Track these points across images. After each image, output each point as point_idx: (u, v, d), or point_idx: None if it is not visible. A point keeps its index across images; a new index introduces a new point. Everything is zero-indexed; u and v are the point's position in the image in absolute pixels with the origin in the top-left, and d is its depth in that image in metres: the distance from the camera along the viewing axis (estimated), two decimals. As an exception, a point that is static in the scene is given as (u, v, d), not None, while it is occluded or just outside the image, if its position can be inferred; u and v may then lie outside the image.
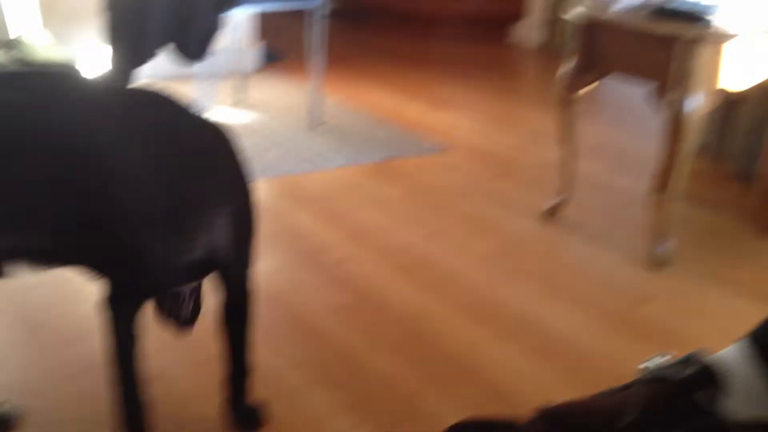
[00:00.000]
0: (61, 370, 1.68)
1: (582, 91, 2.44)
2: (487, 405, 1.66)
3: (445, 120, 3.63)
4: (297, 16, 3.51)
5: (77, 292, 1.95)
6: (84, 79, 1.34)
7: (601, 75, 2.41)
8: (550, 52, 5.11)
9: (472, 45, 5.19)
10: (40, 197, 1.15)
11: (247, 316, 1.48)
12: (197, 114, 1.37)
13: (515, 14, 5.30)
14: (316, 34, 3.26)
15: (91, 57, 3.13)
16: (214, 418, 1.55)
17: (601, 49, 2.32)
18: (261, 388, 1.67)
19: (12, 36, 2.87)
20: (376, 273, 2.20)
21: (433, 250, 2.35)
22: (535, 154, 3.23)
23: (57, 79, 1.27)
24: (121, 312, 1.33)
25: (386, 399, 1.67)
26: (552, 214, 2.60)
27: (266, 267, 2.19)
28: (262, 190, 2.70)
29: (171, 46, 2.76)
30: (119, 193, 1.19)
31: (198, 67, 2.98)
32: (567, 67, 2.42)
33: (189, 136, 1.32)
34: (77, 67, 2.80)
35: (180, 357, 1.75)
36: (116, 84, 1.40)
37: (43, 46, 2.81)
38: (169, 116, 1.31)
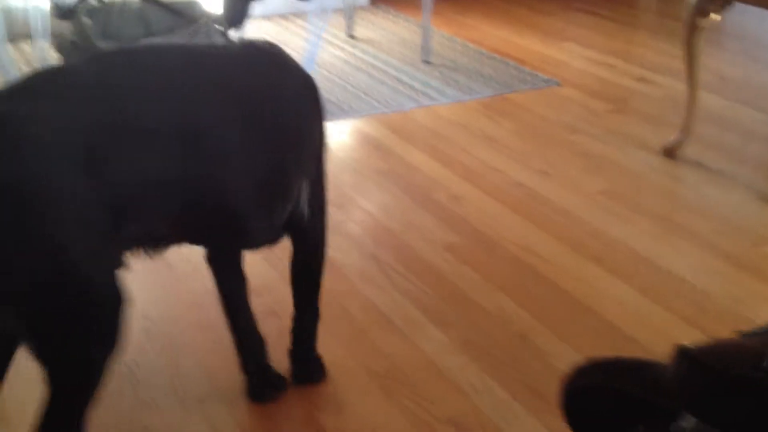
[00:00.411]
0: (186, 299, 1.77)
1: (709, 18, 2.30)
2: (603, 346, 1.64)
3: (558, 53, 3.52)
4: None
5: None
6: (192, 47, 1.33)
7: (728, 1, 2.27)
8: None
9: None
10: (170, 184, 1.15)
11: (320, 270, 1.49)
12: (301, 78, 1.37)
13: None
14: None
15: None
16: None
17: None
18: (374, 325, 1.71)
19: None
20: (489, 211, 2.19)
21: (546, 187, 2.31)
22: (653, 88, 3.10)
23: (167, 54, 1.27)
24: (223, 267, 1.45)
25: (497, 337, 1.68)
26: (672, 150, 2.50)
27: (378, 205, 2.21)
28: (373, 127, 2.71)
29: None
30: (227, 173, 1.21)
31: (309, 2, 2.99)
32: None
33: (291, 108, 1.33)
34: (200, 4, 2.85)
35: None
36: (228, 42, 1.37)
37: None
38: (275, 86, 1.31)
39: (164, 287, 1.82)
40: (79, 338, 1.06)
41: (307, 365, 1.55)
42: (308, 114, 1.37)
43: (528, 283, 1.86)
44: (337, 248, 1.97)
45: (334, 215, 2.11)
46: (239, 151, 1.21)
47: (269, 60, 1.34)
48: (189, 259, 1.81)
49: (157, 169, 1.12)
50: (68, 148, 1.02)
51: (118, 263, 1.13)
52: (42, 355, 1.05)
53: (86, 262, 1.04)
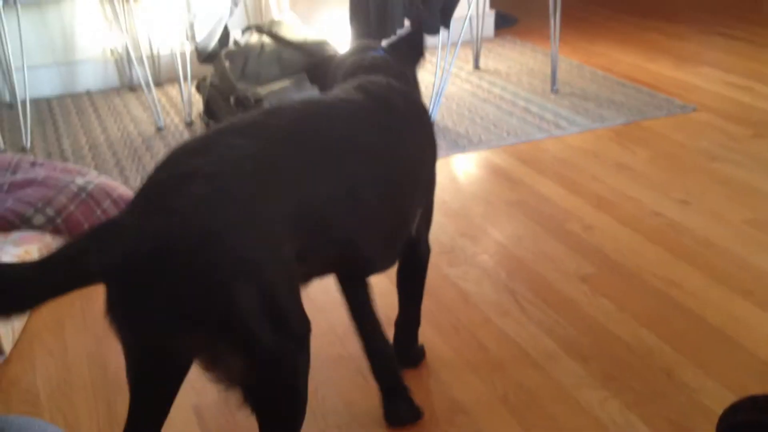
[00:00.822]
0: (326, 330, 1.81)
1: None
2: (755, 383, 1.56)
3: (693, 78, 3.40)
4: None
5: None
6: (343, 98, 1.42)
7: None
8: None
9: (721, -7, 4.81)
10: (332, 236, 1.27)
11: (423, 277, 1.63)
12: (416, 113, 1.50)
13: (771, -44, 4.84)
14: (554, -4, 3.19)
15: (335, 37, 3.29)
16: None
17: None
18: (510, 357, 1.70)
19: (273, 17, 3.08)
20: (625, 241, 2.13)
21: (686, 216, 2.24)
22: (799, 110, 2.95)
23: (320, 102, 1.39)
24: (353, 291, 1.54)
25: (639, 372, 1.63)
26: (821, 176, 2.37)
27: (509, 236, 2.20)
28: (502, 159, 2.71)
29: (411, 20, 2.82)
30: (369, 228, 1.34)
31: (436, 36, 3.03)
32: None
33: (412, 152, 1.45)
34: (330, 45, 2.95)
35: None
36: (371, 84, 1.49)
37: (298, 26, 2.99)
38: (398, 131, 1.42)
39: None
40: (286, 364, 1.15)
41: (409, 352, 1.68)
42: (424, 148, 1.50)
43: (671, 317, 1.80)
44: (470, 280, 1.98)
45: (466, 247, 2.13)
46: (377, 207, 1.33)
47: (387, 105, 1.42)
48: (327, 291, 1.85)
49: (329, 225, 1.25)
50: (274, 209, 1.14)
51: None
52: (253, 386, 1.14)
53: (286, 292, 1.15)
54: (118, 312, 1.07)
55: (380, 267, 1.48)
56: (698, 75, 3.42)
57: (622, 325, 1.78)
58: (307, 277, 1.32)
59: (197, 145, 1.18)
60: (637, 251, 2.08)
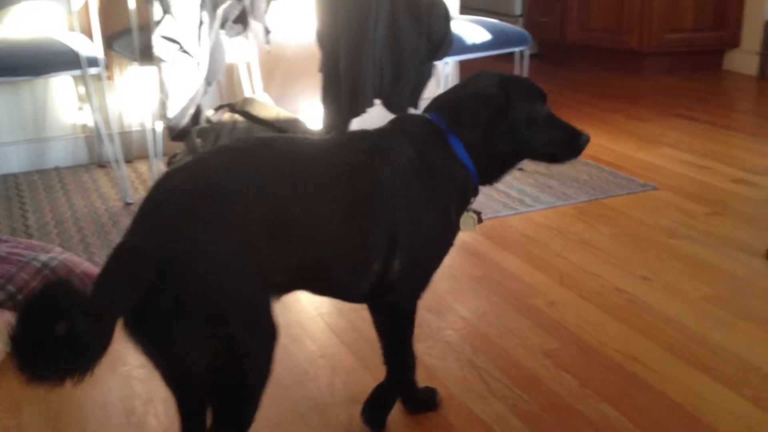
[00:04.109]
0: (286, 414, 1.80)
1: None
2: (713, 458, 1.57)
3: (655, 158, 3.50)
4: (494, 62, 3.55)
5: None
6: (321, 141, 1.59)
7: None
8: (766, 80, 4.80)
9: (682, 76, 4.97)
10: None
11: (402, 335, 1.66)
12: (421, 174, 1.56)
13: (729, 42, 5.03)
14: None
15: (307, 115, 3.36)
16: None
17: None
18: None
19: (245, 96, 3.15)
20: (588, 316, 2.16)
21: (647, 292, 2.27)
22: (753, 190, 3.04)
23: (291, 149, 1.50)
24: (381, 319, 1.67)
25: (602, 447, 1.63)
26: (777, 253, 2.43)
27: (474, 311, 2.22)
28: (468, 234, 2.74)
29: (381, 99, 2.89)
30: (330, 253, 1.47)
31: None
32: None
33: (386, 191, 1.52)
34: (302, 123, 3.01)
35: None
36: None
37: (270, 105, 3.06)
38: (374, 169, 1.52)
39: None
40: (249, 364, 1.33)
41: (416, 398, 1.76)
42: (404, 199, 1.54)
43: (632, 392, 1.82)
44: (435, 355, 1.98)
45: (431, 322, 2.14)
46: (335, 234, 1.45)
47: (370, 148, 1.55)
48: (290, 367, 1.85)
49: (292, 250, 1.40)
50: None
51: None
52: (215, 376, 1.31)
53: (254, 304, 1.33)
54: (131, 323, 1.26)
55: (343, 292, 1.58)
56: (659, 155, 3.52)
57: (585, 400, 1.79)
58: (279, 288, 1.43)
59: (185, 166, 1.39)
60: (599, 327, 2.10)
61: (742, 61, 5.02)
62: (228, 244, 1.28)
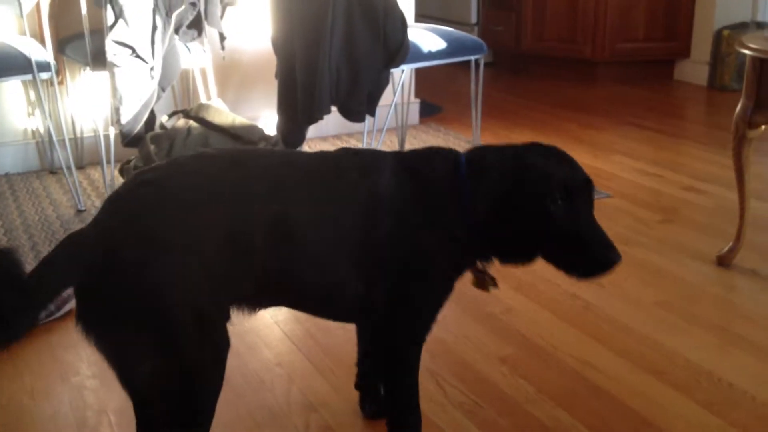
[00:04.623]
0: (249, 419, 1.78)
1: (757, 131, 2.33)
2: (665, 461, 1.59)
3: (608, 166, 3.56)
4: (450, 70, 3.58)
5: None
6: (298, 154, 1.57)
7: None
8: (716, 90, 4.91)
9: (635, 86, 5.06)
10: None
11: (399, 374, 1.60)
12: (407, 200, 1.49)
13: (679, 53, 5.14)
14: (475, 86, 3.31)
15: (262, 122, 3.35)
16: None
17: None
18: (431, 438, 1.70)
19: (200, 102, 3.11)
20: (543, 323, 2.18)
21: (601, 298, 2.30)
22: (704, 198, 3.10)
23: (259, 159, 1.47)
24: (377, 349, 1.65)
25: (557, 452, 1.64)
26: (725, 259, 2.48)
27: (432, 318, 2.22)
28: (425, 242, 2.75)
29: (337, 106, 2.88)
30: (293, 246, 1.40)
31: (363, 123, 3.11)
32: (742, 106, 2.32)
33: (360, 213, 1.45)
34: (258, 129, 2.98)
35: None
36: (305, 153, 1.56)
37: (226, 111, 3.03)
38: (356, 193, 1.45)
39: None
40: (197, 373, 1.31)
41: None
42: (388, 225, 1.46)
43: (587, 398, 1.84)
44: (392, 363, 1.98)
45: (388, 329, 2.13)
46: (310, 242, 1.39)
47: (356, 171, 1.49)
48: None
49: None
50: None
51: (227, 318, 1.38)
52: (162, 385, 1.28)
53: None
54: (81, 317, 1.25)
55: (321, 311, 1.55)
56: (612, 163, 3.58)
57: (540, 406, 1.80)
58: (244, 301, 1.41)
59: (160, 167, 1.39)
60: (554, 333, 2.12)
61: (692, 71, 5.13)
62: (183, 250, 1.26)
